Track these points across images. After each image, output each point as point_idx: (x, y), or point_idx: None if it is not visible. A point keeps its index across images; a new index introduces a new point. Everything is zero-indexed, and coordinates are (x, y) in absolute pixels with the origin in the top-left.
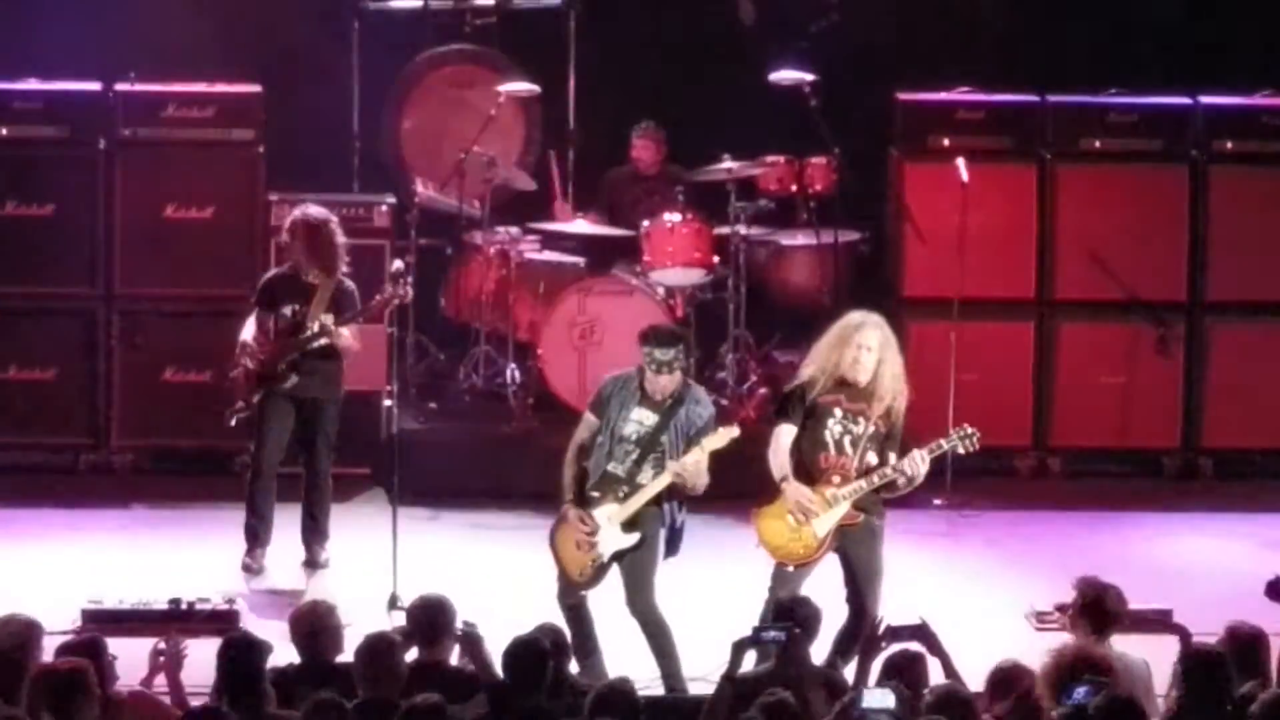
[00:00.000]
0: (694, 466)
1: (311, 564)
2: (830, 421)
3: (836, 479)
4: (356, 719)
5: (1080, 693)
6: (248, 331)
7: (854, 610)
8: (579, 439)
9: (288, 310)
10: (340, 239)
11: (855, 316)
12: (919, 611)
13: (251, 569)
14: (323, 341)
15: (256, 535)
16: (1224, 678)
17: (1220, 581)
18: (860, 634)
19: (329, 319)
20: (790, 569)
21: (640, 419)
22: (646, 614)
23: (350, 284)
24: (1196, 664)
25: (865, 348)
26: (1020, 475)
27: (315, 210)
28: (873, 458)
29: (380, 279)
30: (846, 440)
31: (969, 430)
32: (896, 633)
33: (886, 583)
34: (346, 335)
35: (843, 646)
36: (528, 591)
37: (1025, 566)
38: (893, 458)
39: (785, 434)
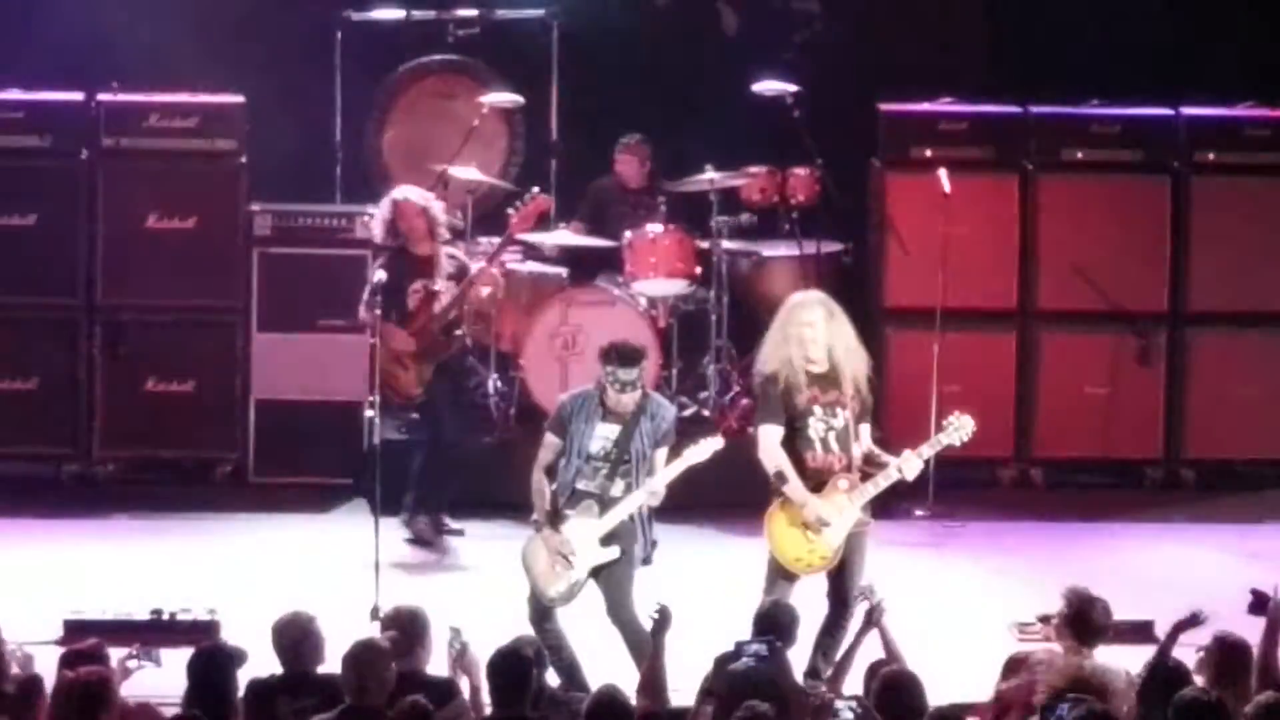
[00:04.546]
0: (662, 485)
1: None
2: (811, 420)
3: (844, 483)
4: None
5: (1063, 709)
6: (382, 325)
7: (836, 603)
8: (544, 461)
9: (418, 286)
10: (439, 206)
11: (793, 299)
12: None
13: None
14: (455, 309)
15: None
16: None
17: (1203, 592)
18: (842, 626)
19: (451, 286)
20: (784, 574)
21: (606, 434)
22: (629, 624)
23: (453, 249)
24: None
25: (807, 325)
26: (1003, 486)
27: (410, 190)
28: (857, 449)
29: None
30: (831, 436)
31: (960, 419)
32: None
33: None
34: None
35: (824, 644)
36: (510, 601)
37: (1007, 577)
38: (866, 429)
39: (774, 435)
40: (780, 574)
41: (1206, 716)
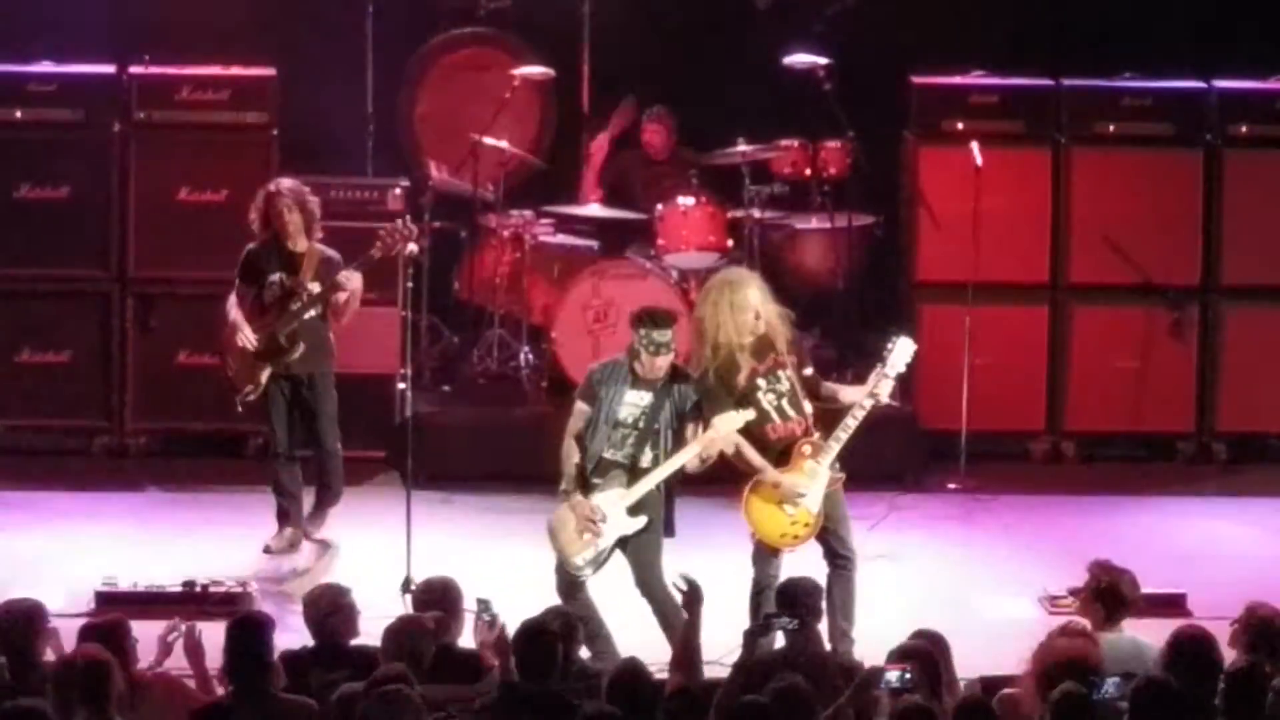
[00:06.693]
0: (709, 446)
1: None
2: (758, 394)
3: (807, 449)
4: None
5: (1112, 684)
6: (236, 311)
7: (834, 560)
8: (574, 429)
9: (276, 279)
10: (315, 203)
11: (729, 278)
12: (934, 596)
13: (271, 550)
14: (316, 310)
15: (288, 515)
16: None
17: (1234, 565)
18: (847, 578)
19: (316, 286)
20: (773, 552)
21: (636, 401)
22: (658, 593)
23: (331, 251)
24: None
25: (755, 311)
26: (1034, 459)
27: (285, 183)
28: (809, 406)
29: (394, 259)
30: (784, 403)
31: (897, 342)
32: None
33: (903, 569)
34: (357, 279)
35: (838, 602)
36: (541, 574)
37: (1039, 550)
38: (810, 370)
39: (734, 422)
40: (768, 552)
41: (1255, 689)
